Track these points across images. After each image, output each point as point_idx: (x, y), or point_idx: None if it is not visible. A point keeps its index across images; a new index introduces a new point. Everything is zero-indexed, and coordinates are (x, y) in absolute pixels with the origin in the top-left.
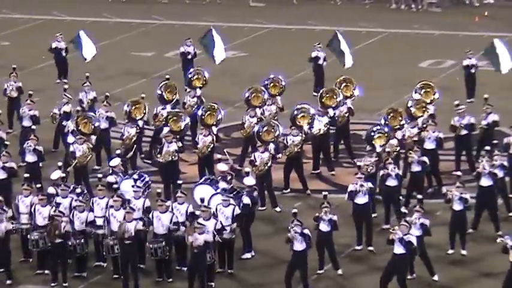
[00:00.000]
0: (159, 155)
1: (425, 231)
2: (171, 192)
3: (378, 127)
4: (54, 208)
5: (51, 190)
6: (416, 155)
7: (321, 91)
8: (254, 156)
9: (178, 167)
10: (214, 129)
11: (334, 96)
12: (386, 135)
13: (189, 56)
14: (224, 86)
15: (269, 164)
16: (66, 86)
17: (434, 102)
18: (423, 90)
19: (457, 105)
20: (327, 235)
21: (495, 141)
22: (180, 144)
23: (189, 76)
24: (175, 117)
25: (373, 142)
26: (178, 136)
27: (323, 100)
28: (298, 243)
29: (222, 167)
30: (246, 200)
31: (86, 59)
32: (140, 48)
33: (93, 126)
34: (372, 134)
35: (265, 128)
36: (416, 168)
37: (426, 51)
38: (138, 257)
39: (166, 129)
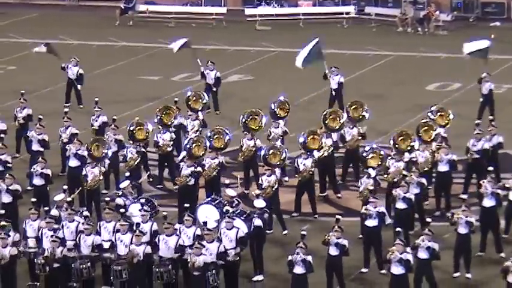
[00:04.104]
0: (176, 179)
1: (433, 255)
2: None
3: (371, 147)
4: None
5: (54, 212)
6: (415, 176)
7: (324, 113)
8: (261, 179)
9: (196, 191)
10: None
11: (338, 118)
12: (380, 155)
13: (208, 81)
14: (230, 109)
15: (276, 187)
16: (66, 110)
17: (449, 124)
18: (438, 113)
19: (477, 124)
20: (335, 259)
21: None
22: (198, 169)
23: (187, 96)
24: (198, 143)
25: (367, 163)
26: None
27: (327, 122)
28: (298, 266)
29: (230, 192)
30: (258, 222)
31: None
32: (147, 72)
33: (105, 150)
34: (365, 154)
35: (271, 151)
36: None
37: (433, 74)
38: (147, 281)
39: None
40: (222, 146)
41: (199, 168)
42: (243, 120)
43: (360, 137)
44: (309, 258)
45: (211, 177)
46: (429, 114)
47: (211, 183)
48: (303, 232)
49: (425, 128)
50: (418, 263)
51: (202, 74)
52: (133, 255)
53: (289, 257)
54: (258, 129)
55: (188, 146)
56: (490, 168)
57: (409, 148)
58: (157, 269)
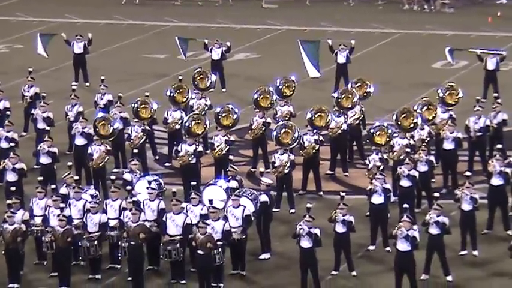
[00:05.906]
0: (178, 158)
1: (444, 229)
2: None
3: (380, 124)
4: (59, 212)
5: (63, 191)
6: (424, 154)
7: (336, 93)
8: (274, 157)
9: (198, 170)
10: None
11: (350, 96)
12: (387, 132)
13: (214, 57)
14: (237, 87)
15: (288, 165)
16: (74, 87)
17: (458, 103)
18: (448, 92)
19: (478, 100)
20: (342, 236)
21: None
22: (199, 148)
23: (193, 75)
24: (198, 120)
25: (374, 140)
26: (198, 139)
27: (340, 101)
28: (305, 240)
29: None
30: (264, 197)
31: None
32: (153, 50)
33: (111, 128)
34: (372, 131)
35: (284, 130)
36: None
37: (439, 52)
38: (146, 258)
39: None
40: (231, 124)
41: (200, 148)
42: (255, 97)
43: (361, 115)
44: (316, 231)
45: (221, 155)
46: (439, 91)
47: (220, 161)
48: (308, 205)
49: (428, 106)
50: (430, 239)
51: (205, 45)
52: (135, 232)
53: (296, 229)
54: (268, 107)
55: (187, 123)
56: (499, 146)
57: (412, 126)
58: (164, 247)
